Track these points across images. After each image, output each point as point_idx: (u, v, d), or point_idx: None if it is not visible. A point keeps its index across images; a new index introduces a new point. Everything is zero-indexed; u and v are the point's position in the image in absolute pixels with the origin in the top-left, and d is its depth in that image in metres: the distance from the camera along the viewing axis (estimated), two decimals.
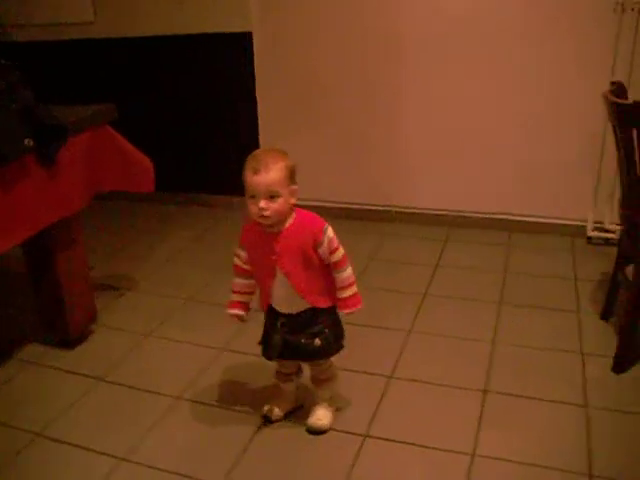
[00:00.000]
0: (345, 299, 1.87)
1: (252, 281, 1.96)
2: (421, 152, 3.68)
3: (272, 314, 1.94)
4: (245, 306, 1.99)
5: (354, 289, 1.88)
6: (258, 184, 1.73)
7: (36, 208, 2.11)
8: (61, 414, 2.19)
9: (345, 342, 1.98)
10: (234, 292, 1.99)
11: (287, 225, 1.82)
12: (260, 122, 3.97)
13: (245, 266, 1.94)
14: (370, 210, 3.86)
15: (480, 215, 3.67)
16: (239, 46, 3.82)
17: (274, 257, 1.82)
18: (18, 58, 4.06)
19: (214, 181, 4.22)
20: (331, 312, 1.92)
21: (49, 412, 2.20)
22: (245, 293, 1.98)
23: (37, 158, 2.08)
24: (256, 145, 3.96)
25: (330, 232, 1.82)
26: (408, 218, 3.79)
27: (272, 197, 1.74)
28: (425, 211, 3.77)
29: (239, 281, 1.97)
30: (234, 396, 2.25)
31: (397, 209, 3.82)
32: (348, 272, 1.86)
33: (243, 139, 4.00)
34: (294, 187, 1.79)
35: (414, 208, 3.78)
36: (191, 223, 4.03)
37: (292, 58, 3.77)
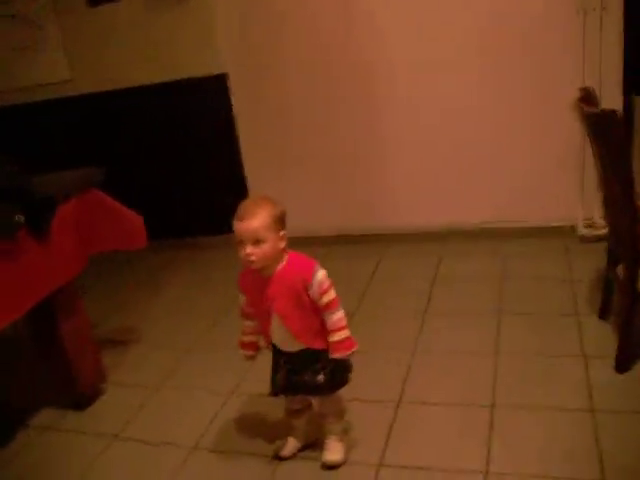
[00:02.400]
0: (335, 343, 1.89)
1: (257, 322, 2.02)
2: (408, 171, 3.74)
3: (276, 352, 2.00)
4: (254, 345, 2.06)
5: (345, 333, 1.89)
6: (244, 230, 1.80)
7: (33, 280, 2.15)
8: (80, 478, 2.21)
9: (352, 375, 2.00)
10: (243, 333, 2.06)
11: (279, 268, 1.86)
12: (244, 159, 4.03)
13: (248, 309, 2.01)
14: (364, 235, 3.90)
15: (472, 226, 3.71)
16: (216, 88, 3.88)
17: (268, 302, 1.87)
18: None
19: (204, 223, 4.28)
20: None
21: (67, 477, 2.23)
22: (252, 333, 2.05)
23: (29, 232, 2.12)
24: (242, 183, 4.02)
25: (320, 274, 1.86)
26: (402, 237, 3.83)
27: (258, 242, 1.79)
28: (418, 229, 3.81)
29: (246, 323, 2.05)
30: (249, 438, 2.27)
31: (390, 230, 3.86)
32: (338, 315, 1.88)
33: (228, 178, 4.08)
34: (282, 233, 1.84)
35: (406, 227, 3.82)
36: (185, 268, 4.09)
37: (269, 94, 3.84)
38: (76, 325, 2.51)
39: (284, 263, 1.87)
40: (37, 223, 2.10)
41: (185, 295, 3.70)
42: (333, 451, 2.06)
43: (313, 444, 2.15)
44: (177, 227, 4.37)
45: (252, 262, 1.81)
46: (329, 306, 1.87)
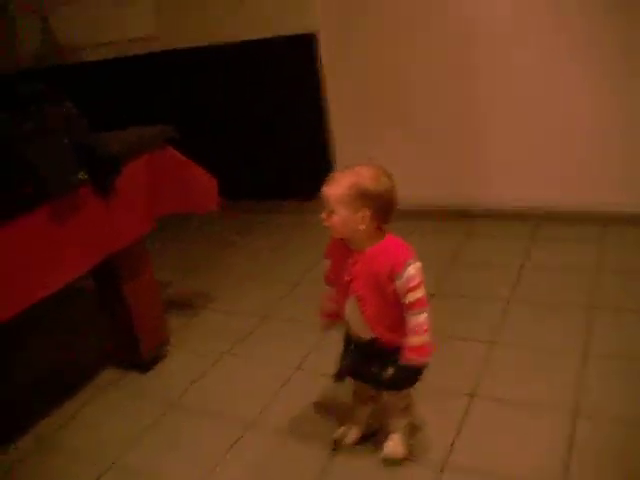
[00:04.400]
0: (411, 347, 1.70)
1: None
2: (503, 143, 3.47)
3: (348, 335, 1.86)
4: (334, 315, 1.89)
5: (425, 338, 1.69)
6: (322, 195, 1.68)
7: (95, 239, 2.10)
8: (136, 441, 2.18)
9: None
10: (326, 300, 1.91)
11: (370, 248, 1.70)
12: (331, 123, 3.87)
13: (331, 276, 1.85)
14: (450, 209, 3.67)
15: (569, 208, 3.40)
16: (304, 47, 3.72)
17: (349, 278, 1.72)
18: (88, 78, 4.19)
19: (284, 187, 4.16)
20: None
21: (123, 439, 2.19)
22: (334, 302, 1.88)
23: (92, 190, 2.06)
24: (325, 147, 3.87)
25: (413, 269, 1.65)
26: (491, 215, 3.56)
27: (330, 211, 1.67)
28: (510, 207, 3.53)
29: (330, 290, 1.89)
30: (309, 419, 2.16)
31: (479, 207, 3.61)
32: (422, 317, 1.68)
33: (311, 142, 3.93)
34: (362, 212, 1.64)
35: (498, 205, 3.56)
36: (265, 232, 3.98)
37: (361, 56, 3.64)
38: (142, 286, 2.46)
39: (377, 244, 1.70)
40: (101, 181, 2.03)
41: (259, 260, 3.59)
42: (395, 445, 1.91)
43: (374, 434, 2.01)
44: (256, 189, 4.26)
45: (327, 228, 1.70)
46: (414, 305, 1.67)
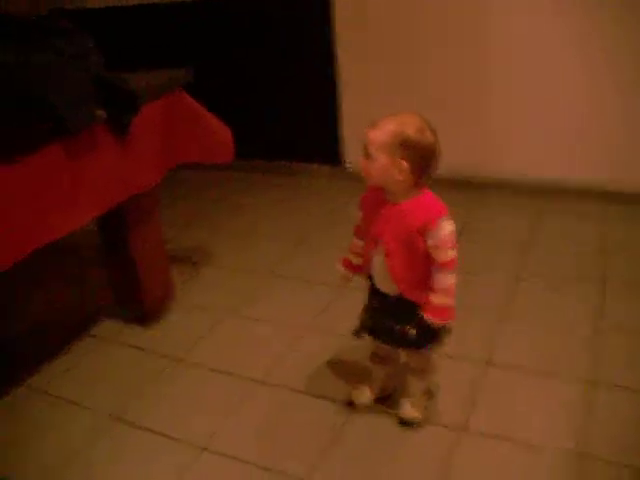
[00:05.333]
0: (433, 304, 1.64)
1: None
2: (512, 115, 3.41)
3: (372, 290, 1.79)
4: (356, 268, 1.83)
5: (449, 300, 1.63)
6: (364, 137, 1.61)
7: (108, 183, 1.99)
8: (137, 396, 2.11)
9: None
10: (350, 250, 1.84)
11: (405, 201, 1.63)
12: (342, 87, 3.78)
13: (362, 227, 1.78)
14: (459, 179, 3.59)
15: (576, 184, 3.37)
16: (318, 7, 3.62)
17: (379, 230, 1.66)
18: (90, 25, 4.04)
19: (294, 148, 4.05)
20: None
21: (124, 393, 2.12)
22: (359, 254, 1.82)
23: (109, 129, 1.95)
24: (335, 112, 3.78)
25: (447, 226, 1.59)
26: (501, 186, 3.51)
27: (369, 156, 1.59)
28: (516, 179, 3.49)
29: (356, 241, 1.82)
30: (320, 379, 2.11)
31: (489, 177, 3.56)
32: (450, 279, 1.62)
33: (322, 105, 3.83)
34: (403, 163, 1.56)
35: (506, 176, 3.51)
36: (269, 192, 3.89)
37: (374, 11, 3.52)
38: (149, 237, 2.38)
39: (412, 199, 1.63)
40: (119, 120, 1.93)
41: (265, 217, 3.52)
42: (413, 407, 1.86)
43: (389, 397, 1.97)
44: (264, 149, 4.15)
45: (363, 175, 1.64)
46: (445, 265, 1.61)
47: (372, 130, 1.58)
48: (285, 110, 4.01)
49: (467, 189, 3.51)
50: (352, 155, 3.69)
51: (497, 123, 3.47)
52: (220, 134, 2.40)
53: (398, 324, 1.72)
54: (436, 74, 3.50)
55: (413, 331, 1.70)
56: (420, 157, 1.58)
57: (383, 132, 1.56)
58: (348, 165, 3.79)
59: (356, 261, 1.82)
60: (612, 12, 2.99)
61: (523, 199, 3.40)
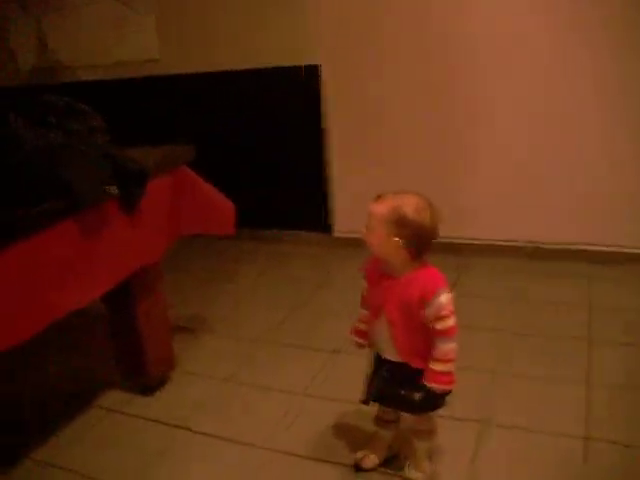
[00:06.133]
0: (436, 372, 1.70)
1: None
2: (492, 180, 3.59)
3: (378, 359, 1.86)
4: (367, 335, 1.89)
5: (450, 367, 1.70)
6: (368, 210, 1.71)
7: (118, 257, 2.06)
8: (147, 465, 2.12)
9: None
10: (359, 320, 1.91)
11: (405, 275, 1.71)
12: (332, 157, 3.93)
13: (367, 296, 1.87)
14: (445, 243, 3.70)
15: (558, 246, 3.52)
16: (306, 79, 3.80)
17: (381, 301, 1.74)
18: (85, 98, 4.17)
19: (284, 217, 4.16)
20: None
21: (132, 463, 2.13)
22: (368, 323, 1.88)
23: (119, 205, 2.04)
24: (325, 180, 3.91)
25: (444, 298, 1.66)
26: (482, 250, 3.65)
27: (369, 228, 1.69)
28: (500, 242, 3.63)
29: (362, 311, 1.90)
30: (323, 444, 2.14)
31: (470, 241, 3.70)
32: (450, 346, 1.69)
33: (311, 174, 3.97)
34: (396, 239, 1.65)
35: (487, 239, 3.66)
36: (262, 260, 3.98)
37: (361, 90, 3.72)
38: (152, 308, 2.43)
39: (412, 272, 1.71)
40: (129, 197, 2.01)
41: (257, 285, 3.60)
42: (418, 469, 1.91)
43: (394, 457, 2.01)
44: (255, 218, 4.24)
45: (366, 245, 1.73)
46: (443, 333, 1.67)
47: (375, 203, 1.68)
48: (276, 181, 4.13)
49: (448, 253, 3.63)
50: (341, 223, 3.75)
51: (479, 187, 3.64)
52: (223, 208, 2.50)
53: (403, 389, 1.78)
54: (424, 146, 3.67)
55: (419, 395, 1.75)
56: (415, 235, 1.66)
57: (383, 207, 1.66)
58: (337, 233, 3.89)
59: (367, 329, 1.89)
60: None
61: (506, 261, 3.53)
